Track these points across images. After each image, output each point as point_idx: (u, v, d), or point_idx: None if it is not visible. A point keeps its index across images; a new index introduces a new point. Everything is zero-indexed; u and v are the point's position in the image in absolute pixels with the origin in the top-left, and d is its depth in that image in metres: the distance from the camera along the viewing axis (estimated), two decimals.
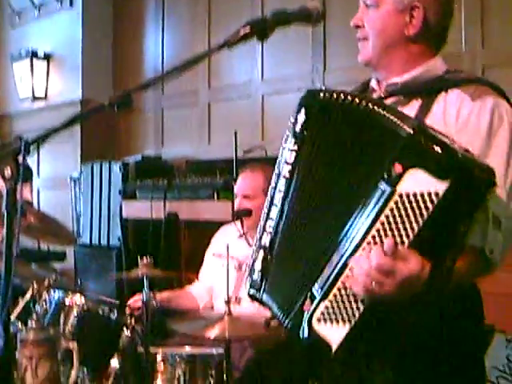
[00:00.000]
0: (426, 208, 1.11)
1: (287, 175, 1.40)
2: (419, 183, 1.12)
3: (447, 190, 1.09)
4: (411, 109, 1.41)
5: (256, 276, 1.47)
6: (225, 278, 2.23)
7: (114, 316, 2.42)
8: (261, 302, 1.48)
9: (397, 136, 1.17)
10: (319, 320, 1.26)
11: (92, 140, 5.01)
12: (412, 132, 1.16)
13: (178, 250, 4.09)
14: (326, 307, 1.25)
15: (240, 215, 2.55)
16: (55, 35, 5.35)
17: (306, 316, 1.29)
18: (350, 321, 1.21)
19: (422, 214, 1.12)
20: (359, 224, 1.20)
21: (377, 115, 1.23)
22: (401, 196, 1.14)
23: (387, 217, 1.16)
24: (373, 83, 1.55)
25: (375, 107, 1.24)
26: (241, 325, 2.17)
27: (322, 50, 3.94)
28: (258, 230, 1.47)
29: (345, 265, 1.22)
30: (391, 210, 1.15)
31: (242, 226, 2.57)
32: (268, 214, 1.44)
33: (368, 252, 1.16)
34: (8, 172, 1.19)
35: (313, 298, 1.28)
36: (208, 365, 2.22)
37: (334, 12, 3.64)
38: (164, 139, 4.92)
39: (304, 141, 1.36)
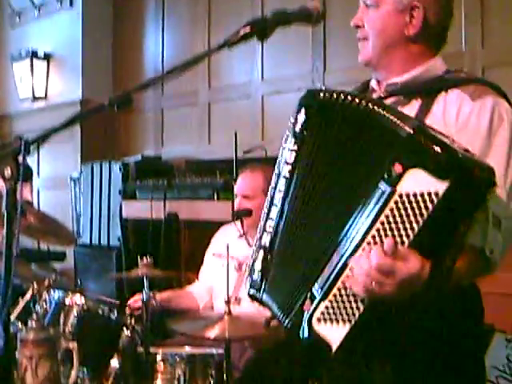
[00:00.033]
0: (426, 208, 1.11)
1: (287, 175, 1.40)
2: (419, 183, 1.12)
3: (447, 190, 1.09)
4: (411, 109, 1.41)
5: (256, 276, 1.47)
6: (225, 278, 2.23)
7: (113, 316, 2.42)
8: (261, 302, 1.48)
9: (397, 136, 1.17)
10: (319, 320, 1.26)
11: (92, 140, 5.01)
12: (412, 132, 1.16)
13: (177, 250, 4.09)
14: (326, 307, 1.25)
15: (240, 215, 2.55)
16: (55, 35, 5.35)
17: (306, 316, 1.29)
18: (350, 321, 1.21)
19: (422, 214, 1.12)
20: (359, 224, 1.20)
21: (377, 115, 1.23)
22: (401, 196, 1.14)
23: (387, 217, 1.16)
24: (373, 83, 1.55)
25: (375, 107, 1.24)
26: (241, 325, 2.17)
27: (322, 50, 3.94)
28: (258, 230, 1.47)
29: (345, 265, 1.22)
30: (391, 209, 1.15)
31: (242, 226, 2.57)
32: (268, 214, 1.44)
33: (368, 252, 1.16)
34: (8, 172, 1.19)
35: (313, 297, 1.28)
36: (208, 365, 2.22)
37: (335, 12, 3.64)
38: (164, 139, 4.92)
39: (304, 141, 1.36)
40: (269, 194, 1.46)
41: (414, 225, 1.12)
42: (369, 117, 1.24)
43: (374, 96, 1.51)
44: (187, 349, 2.29)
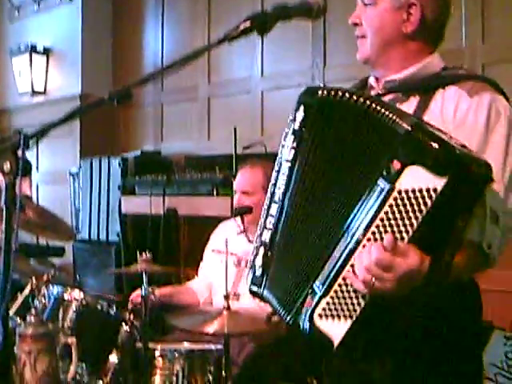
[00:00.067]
0: (425, 204, 1.12)
1: (287, 172, 1.40)
2: (418, 179, 1.13)
3: (445, 186, 1.10)
4: (409, 106, 1.41)
5: (257, 272, 1.47)
6: (224, 274, 2.23)
7: (112, 311, 2.42)
8: (262, 298, 1.48)
9: (395, 133, 1.18)
10: (321, 316, 1.27)
11: (91, 135, 5.00)
12: (410, 129, 1.16)
13: (176, 245, 4.09)
14: (328, 303, 1.25)
15: (241, 213, 2.54)
16: (55, 30, 5.34)
17: (307, 312, 1.30)
18: (351, 316, 1.22)
19: (421, 210, 1.12)
20: (359, 220, 1.21)
21: (375, 113, 1.23)
22: (400, 192, 1.15)
23: (387, 213, 1.16)
24: (371, 80, 1.55)
25: (373, 104, 1.25)
26: (240, 320, 2.17)
27: (322, 45, 3.94)
28: (259, 227, 1.48)
29: (345, 261, 1.22)
30: (390, 206, 1.16)
31: (243, 223, 2.57)
32: (268, 211, 1.45)
33: (368, 248, 1.16)
34: (7, 166, 1.19)
35: (314, 294, 1.28)
36: (207, 360, 2.22)
37: (335, 8, 3.63)
38: (163, 134, 4.91)
39: (303, 139, 1.37)
40: (269, 191, 1.46)
41: (414, 221, 1.13)
42: (367, 114, 1.25)
43: (373, 93, 1.51)
44: (186, 344, 2.29)
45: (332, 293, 1.25)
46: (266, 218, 1.45)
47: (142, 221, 3.97)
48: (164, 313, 2.39)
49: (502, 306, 2.68)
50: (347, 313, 1.22)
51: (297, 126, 1.38)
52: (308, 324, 1.29)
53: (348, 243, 1.22)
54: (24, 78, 5.38)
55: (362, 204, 1.21)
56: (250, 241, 2.50)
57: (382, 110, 1.22)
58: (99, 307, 2.44)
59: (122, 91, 1.27)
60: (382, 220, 1.16)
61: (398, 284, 1.15)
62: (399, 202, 1.15)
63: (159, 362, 2.22)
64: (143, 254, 2.43)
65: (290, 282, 1.37)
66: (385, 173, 1.17)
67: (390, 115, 1.20)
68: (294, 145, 1.38)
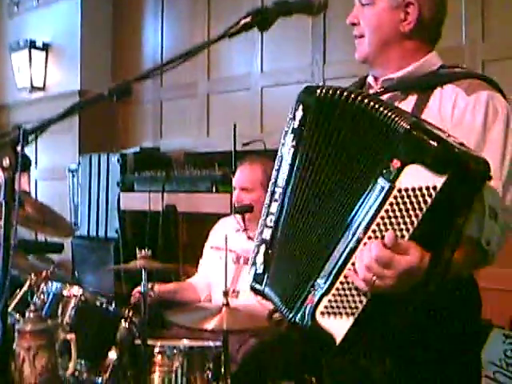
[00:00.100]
0: (425, 202, 1.12)
1: (287, 171, 1.40)
2: (417, 178, 1.13)
3: (445, 184, 1.11)
4: (408, 104, 1.42)
5: (258, 270, 1.47)
6: (223, 271, 2.23)
7: (111, 308, 2.42)
8: (263, 295, 1.48)
9: (394, 132, 1.18)
10: (322, 313, 1.27)
11: (90, 131, 5.00)
12: (409, 128, 1.17)
13: (175, 242, 4.09)
14: (329, 301, 1.26)
15: (242, 211, 2.53)
16: (54, 25, 5.33)
17: (309, 310, 1.30)
18: (353, 314, 1.22)
19: (421, 208, 1.13)
20: (360, 219, 1.21)
21: (374, 111, 1.24)
22: (400, 191, 1.15)
23: (387, 211, 1.17)
24: (370, 79, 1.56)
25: (372, 103, 1.25)
26: (239, 317, 2.17)
27: (321, 42, 3.93)
28: (259, 226, 1.48)
29: (347, 259, 1.23)
30: (391, 204, 1.16)
31: (244, 221, 2.56)
32: (269, 209, 1.45)
33: (368, 246, 1.17)
34: (6, 161, 1.19)
35: (316, 291, 1.29)
36: (206, 357, 2.22)
37: (335, 5, 3.61)
38: (162, 131, 4.90)
39: (302, 137, 1.37)
40: (269, 189, 1.47)
41: (414, 219, 1.14)
42: (366, 113, 1.25)
43: (371, 92, 1.51)
44: (185, 341, 2.29)
45: (334, 290, 1.25)
46: (267, 216, 1.46)
47: (141, 217, 3.97)
48: (163, 309, 2.39)
49: (501, 304, 2.68)
50: (349, 310, 1.23)
51: (296, 124, 1.39)
52: (310, 321, 1.29)
53: (349, 241, 1.23)
54: (23, 73, 5.37)
55: (363, 203, 1.21)
56: (249, 237, 2.50)
57: (381, 109, 1.22)
58: (98, 304, 2.44)
59: (122, 87, 1.27)
60: (382, 218, 1.17)
61: (398, 281, 1.15)
62: (399, 200, 1.15)
63: (158, 358, 2.22)
64: (142, 250, 2.43)
65: (291, 280, 1.37)
66: (385, 171, 1.18)
67: (390, 114, 1.21)
68: (294, 143, 1.39)
